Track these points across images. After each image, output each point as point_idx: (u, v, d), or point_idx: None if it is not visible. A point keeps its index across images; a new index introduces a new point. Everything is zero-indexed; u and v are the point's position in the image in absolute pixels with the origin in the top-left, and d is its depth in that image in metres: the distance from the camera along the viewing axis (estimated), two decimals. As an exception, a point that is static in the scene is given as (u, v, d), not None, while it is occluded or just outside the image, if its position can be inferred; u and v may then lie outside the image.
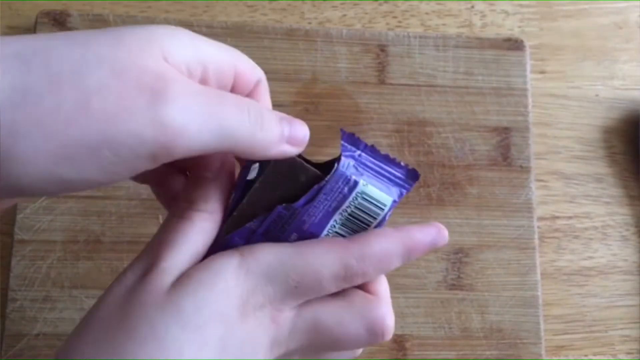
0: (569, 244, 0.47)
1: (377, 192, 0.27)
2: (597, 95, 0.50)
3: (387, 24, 0.50)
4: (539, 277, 0.45)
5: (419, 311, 0.44)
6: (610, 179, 0.49)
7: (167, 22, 0.47)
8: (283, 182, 0.26)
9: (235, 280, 0.24)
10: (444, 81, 0.48)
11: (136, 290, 0.23)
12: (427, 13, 0.51)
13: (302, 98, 0.46)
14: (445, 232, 0.28)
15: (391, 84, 0.48)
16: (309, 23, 0.49)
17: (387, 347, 0.43)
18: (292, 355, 0.26)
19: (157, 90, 0.21)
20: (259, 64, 0.27)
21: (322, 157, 0.46)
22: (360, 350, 0.28)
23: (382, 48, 0.48)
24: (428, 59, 0.48)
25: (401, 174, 0.28)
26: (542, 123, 0.49)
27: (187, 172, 0.29)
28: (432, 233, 0.27)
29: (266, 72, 0.28)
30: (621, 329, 0.46)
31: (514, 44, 0.49)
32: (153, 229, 0.27)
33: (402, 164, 0.28)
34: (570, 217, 0.48)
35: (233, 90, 0.26)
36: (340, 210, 0.27)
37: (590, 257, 0.47)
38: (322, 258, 0.25)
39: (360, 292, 0.27)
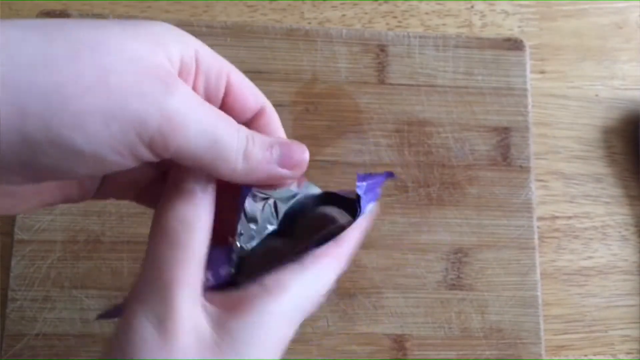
0: (568, 244, 0.47)
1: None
2: (597, 95, 0.50)
3: (387, 24, 0.50)
4: (538, 277, 0.45)
5: (419, 311, 0.44)
6: (610, 179, 0.49)
7: (167, 22, 0.47)
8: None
9: (280, 329, 0.24)
10: (444, 81, 0.48)
11: (163, 349, 0.22)
12: (427, 13, 0.51)
13: (302, 98, 0.46)
14: None
15: (391, 84, 0.48)
16: (309, 23, 0.49)
17: (387, 347, 0.43)
18: None
19: (169, 83, 0.22)
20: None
21: (323, 157, 0.46)
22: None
23: (382, 48, 0.48)
24: (428, 59, 0.48)
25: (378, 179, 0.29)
26: (542, 123, 0.49)
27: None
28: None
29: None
30: (621, 329, 0.46)
31: (514, 44, 0.49)
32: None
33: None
34: (570, 217, 0.48)
35: (227, 105, 0.26)
36: None
37: (590, 257, 0.47)
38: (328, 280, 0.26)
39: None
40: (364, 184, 0.27)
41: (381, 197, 0.45)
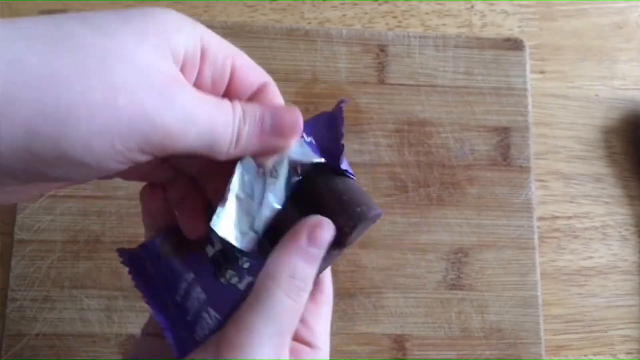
0: (568, 244, 0.47)
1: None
2: (597, 95, 0.50)
3: (387, 24, 0.50)
4: (538, 277, 0.45)
5: (419, 311, 0.44)
6: (610, 179, 0.49)
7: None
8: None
9: None
10: (444, 81, 0.48)
11: None
12: (427, 13, 0.51)
13: (302, 98, 0.46)
14: None
15: (391, 84, 0.48)
16: (309, 23, 0.49)
17: (387, 347, 0.43)
18: None
19: (173, 94, 0.22)
20: (259, 63, 0.27)
21: (322, 157, 0.46)
22: None
23: (382, 48, 0.48)
24: (428, 59, 0.48)
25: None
26: (542, 123, 0.49)
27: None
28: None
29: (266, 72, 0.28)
30: (621, 329, 0.46)
31: (514, 44, 0.49)
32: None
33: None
34: (570, 217, 0.48)
35: (231, 87, 0.26)
36: None
37: (590, 257, 0.47)
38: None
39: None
40: (309, 138, 0.27)
41: (381, 198, 0.45)
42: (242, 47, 0.27)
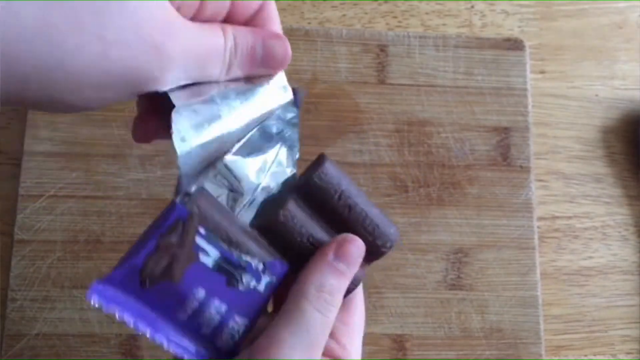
0: (568, 244, 0.47)
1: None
2: (596, 95, 0.50)
3: (387, 24, 0.50)
4: (538, 277, 0.45)
5: (419, 311, 0.44)
6: (610, 179, 0.49)
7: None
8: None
9: None
10: (444, 81, 0.48)
11: None
12: (427, 13, 0.51)
13: (302, 98, 0.46)
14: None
15: (391, 84, 0.48)
16: (309, 23, 0.49)
17: (387, 347, 0.43)
18: None
19: (164, 48, 0.22)
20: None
21: (322, 157, 0.46)
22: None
23: (382, 48, 0.48)
24: (428, 59, 0.48)
25: None
26: (542, 123, 0.49)
27: None
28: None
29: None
30: (621, 329, 0.46)
31: (514, 44, 0.49)
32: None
33: None
34: (570, 217, 0.48)
35: (231, 12, 0.26)
36: None
37: (590, 257, 0.47)
38: None
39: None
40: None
41: (381, 198, 0.45)
42: (242, 47, 0.27)
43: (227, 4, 0.26)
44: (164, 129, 0.26)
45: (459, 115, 0.47)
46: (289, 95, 0.29)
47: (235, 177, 0.27)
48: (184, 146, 0.25)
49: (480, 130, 0.47)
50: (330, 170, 0.27)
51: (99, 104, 0.23)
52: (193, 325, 0.25)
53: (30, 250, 0.43)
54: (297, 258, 0.27)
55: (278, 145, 0.28)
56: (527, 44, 0.49)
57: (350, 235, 0.27)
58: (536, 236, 0.46)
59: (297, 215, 0.27)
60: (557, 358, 0.45)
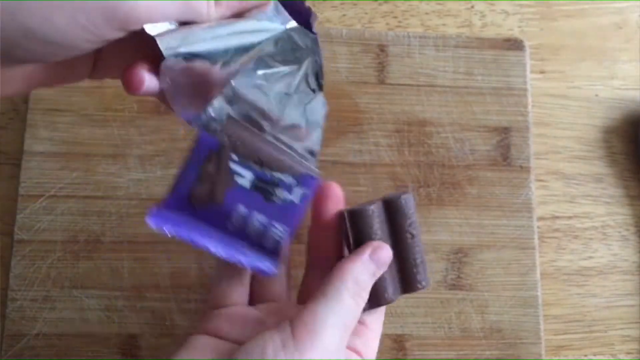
0: (568, 244, 0.47)
1: None
2: (596, 95, 0.50)
3: (387, 24, 0.50)
4: (538, 277, 0.45)
5: (419, 311, 0.44)
6: (610, 179, 0.49)
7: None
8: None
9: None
10: (444, 81, 0.48)
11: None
12: (427, 13, 0.51)
13: (302, 98, 0.46)
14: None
15: (391, 84, 0.48)
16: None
17: (387, 347, 0.43)
18: None
19: None
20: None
21: (323, 157, 0.46)
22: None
23: (382, 48, 0.48)
24: (428, 59, 0.48)
25: None
26: (542, 123, 0.49)
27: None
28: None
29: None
30: (621, 329, 0.46)
31: (514, 44, 0.49)
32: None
33: None
34: (570, 217, 0.48)
35: None
36: None
37: (590, 257, 0.47)
38: None
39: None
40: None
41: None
42: (242, 47, 0.27)
43: None
44: (155, 80, 0.27)
45: (459, 115, 0.47)
46: (291, 23, 0.30)
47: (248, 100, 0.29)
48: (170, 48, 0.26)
49: (480, 130, 0.47)
50: (412, 200, 0.32)
51: (80, 41, 0.22)
52: (240, 234, 0.30)
53: (30, 250, 0.43)
54: (356, 244, 0.31)
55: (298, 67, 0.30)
56: (527, 44, 0.49)
57: (383, 244, 0.31)
58: (536, 236, 0.46)
59: (380, 217, 0.31)
60: (557, 358, 0.45)
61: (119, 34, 0.23)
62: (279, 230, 0.30)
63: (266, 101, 0.29)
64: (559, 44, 0.51)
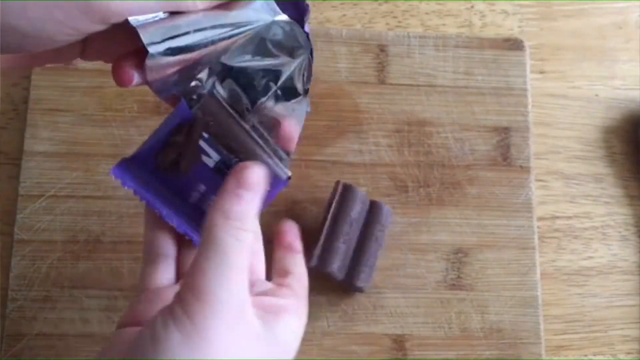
0: (568, 244, 0.47)
1: None
2: (596, 95, 0.50)
3: (387, 24, 0.50)
4: (538, 277, 0.45)
5: (419, 311, 0.44)
6: (610, 179, 0.49)
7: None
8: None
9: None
10: (444, 81, 0.48)
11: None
12: (427, 13, 0.51)
13: (302, 98, 0.46)
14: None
15: (391, 84, 0.48)
16: (309, 23, 0.49)
17: (387, 347, 0.43)
18: None
19: None
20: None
21: (323, 157, 0.46)
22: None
23: (382, 48, 0.48)
24: (428, 59, 0.48)
25: None
26: (542, 123, 0.49)
27: None
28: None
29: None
30: (621, 329, 0.46)
31: (514, 44, 0.49)
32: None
33: None
34: (570, 217, 0.48)
35: None
36: None
37: (590, 257, 0.47)
38: None
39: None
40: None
41: (381, 198, 0.45)
42: (242, 47, 0.27)
43: None
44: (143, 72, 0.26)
45: (459, 115, 0.47)
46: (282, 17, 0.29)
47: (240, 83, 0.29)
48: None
49: (480, 130, 0.47)
50: (391, 216, 0.35)
51: (60, 35, 0.22)
52: (199, 210, 0.29)
53: (30, 250, 0.43)
54: (335, 213, 0.33)
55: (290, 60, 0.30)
56: (527, 44, 0.49)
57: (249, 163, 0.27)
58: (536, 236, 0.46)
59: (364, 206, 0.37)
60: (557, 358, 0.45)
61: (101, 27, 0.23)
62: None
63: (252, 84, 0.29)
64: (559, 44, 0.51)
